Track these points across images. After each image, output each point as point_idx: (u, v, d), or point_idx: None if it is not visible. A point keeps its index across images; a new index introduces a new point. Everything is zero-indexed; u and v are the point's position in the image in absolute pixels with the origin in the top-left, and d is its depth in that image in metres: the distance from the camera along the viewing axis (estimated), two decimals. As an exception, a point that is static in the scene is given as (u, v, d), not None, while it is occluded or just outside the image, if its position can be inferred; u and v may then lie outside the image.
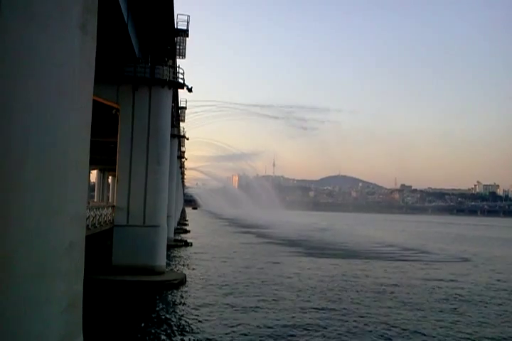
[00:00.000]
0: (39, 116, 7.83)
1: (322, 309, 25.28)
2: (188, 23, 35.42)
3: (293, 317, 23.17)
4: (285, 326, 21.47)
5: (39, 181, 7.75)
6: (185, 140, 72.41)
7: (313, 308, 25.32)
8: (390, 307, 26.07)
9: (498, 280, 37.74)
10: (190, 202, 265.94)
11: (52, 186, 7.88)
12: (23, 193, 7.59)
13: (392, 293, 30.49)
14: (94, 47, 8.96)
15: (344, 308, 25.54)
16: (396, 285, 33.46)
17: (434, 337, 20.69)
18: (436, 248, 66.20)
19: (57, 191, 7.96)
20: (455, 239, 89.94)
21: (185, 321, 22.07)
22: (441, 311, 25.70)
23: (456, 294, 30.86)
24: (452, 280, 36.65)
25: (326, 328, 21.47)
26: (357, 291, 30.59)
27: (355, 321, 22.83)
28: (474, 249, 66.72)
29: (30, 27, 7.56)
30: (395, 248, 64.09)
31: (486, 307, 27.41)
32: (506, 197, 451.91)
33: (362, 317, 23.68)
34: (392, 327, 21.92)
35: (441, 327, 22.27)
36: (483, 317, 24.86)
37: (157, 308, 24.78)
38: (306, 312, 24.23)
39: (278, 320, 22.58)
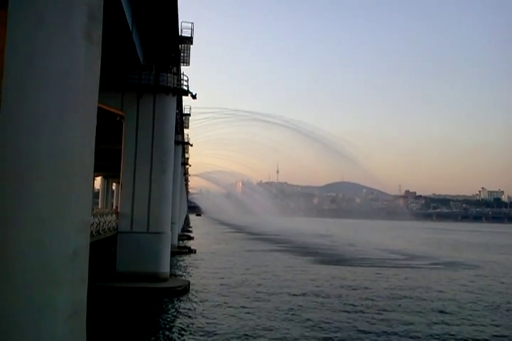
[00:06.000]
0: (44, 124, 7.87)
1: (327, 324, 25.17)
2: (192, 30, 35.56)
3: (298, 327, 22.98)
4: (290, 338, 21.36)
5: (44, 189, 7.78)
6: (189, 146, 72.66)
7: (315, 319, 25.23)
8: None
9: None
10: (194, 208, 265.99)
11: (56, 194, 7.91)
12: (27, 201, 7.62)
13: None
14: (99, 55, 9.02)
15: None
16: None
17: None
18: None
19: (62, 199, 7.98)
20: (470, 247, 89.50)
21: (189, 329, 22.00)
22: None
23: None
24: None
25: None
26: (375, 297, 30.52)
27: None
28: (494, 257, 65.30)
29: (37, 36, 7.63)
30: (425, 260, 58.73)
31: None
32: (511, 204, 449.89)
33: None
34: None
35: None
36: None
37: (161, 315, 24.72)
38: (307, 323, 24.07)
39: (282, 329, 22.48)
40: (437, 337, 21.85)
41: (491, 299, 32.03)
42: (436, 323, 24.49)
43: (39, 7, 7.65)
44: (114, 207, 60.99)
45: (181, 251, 56.12)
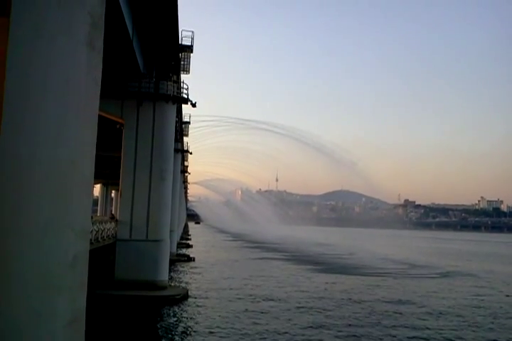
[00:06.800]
0: (45, 131, 7.88)
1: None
2: (192, 38, 35.86)
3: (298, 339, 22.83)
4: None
5: (44, 195, 7.78)
6: (189, 154, 72.77)
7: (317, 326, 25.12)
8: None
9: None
10: (193, 216, 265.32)
11: (57, 200, 7.91)
12: (27, 207, 7.62)
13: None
14: (101, 63, 9.05)
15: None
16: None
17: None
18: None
19: (62, 205, 7.98)
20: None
21: (187, 338, 21.87)
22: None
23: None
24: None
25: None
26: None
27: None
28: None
29: (38, 44, 7.66)
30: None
31: None
32: (510, 213, 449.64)
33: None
34: None
35: None
36: None
37: (159, 324, 24.59)
38: (309, 331, 23.99)
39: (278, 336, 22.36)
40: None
41: (492, 307, 31.96)
42: (440, 333, 24.38)
43: (41, 14, 7.69)
44: (111, 213, 61.02)
45: (180, 259, 55.94)
